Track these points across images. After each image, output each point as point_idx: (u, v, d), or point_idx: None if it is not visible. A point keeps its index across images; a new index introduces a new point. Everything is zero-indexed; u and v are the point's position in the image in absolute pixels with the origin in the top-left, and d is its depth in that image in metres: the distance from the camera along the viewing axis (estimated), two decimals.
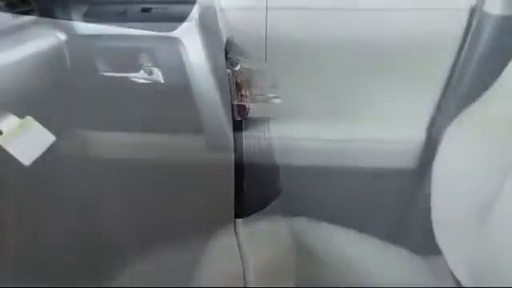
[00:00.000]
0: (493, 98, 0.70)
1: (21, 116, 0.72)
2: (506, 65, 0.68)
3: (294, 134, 0.97)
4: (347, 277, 0.81)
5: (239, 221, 0.90)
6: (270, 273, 0.83)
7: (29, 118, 0.73)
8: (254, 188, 0.90)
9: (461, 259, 0.65)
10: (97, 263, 0.95)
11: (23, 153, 0.69)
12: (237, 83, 0.87)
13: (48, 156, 0.79)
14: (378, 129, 0.93)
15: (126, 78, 0.94)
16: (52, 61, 0.85)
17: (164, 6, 0.90)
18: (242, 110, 0.89)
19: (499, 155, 0.61)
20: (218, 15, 0.91)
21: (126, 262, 1.00)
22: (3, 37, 0.77)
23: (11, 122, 0.70)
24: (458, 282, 0.66)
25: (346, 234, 0.92)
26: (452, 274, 0.67)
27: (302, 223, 0.92)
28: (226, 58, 0.88)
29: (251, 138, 0.90)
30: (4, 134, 0.67)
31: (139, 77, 0.94)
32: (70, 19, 0.90)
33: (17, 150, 0.68)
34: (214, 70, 0.89)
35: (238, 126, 0.90)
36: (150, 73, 0.93)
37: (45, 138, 0.75)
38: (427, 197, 0.76)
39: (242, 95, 0.88)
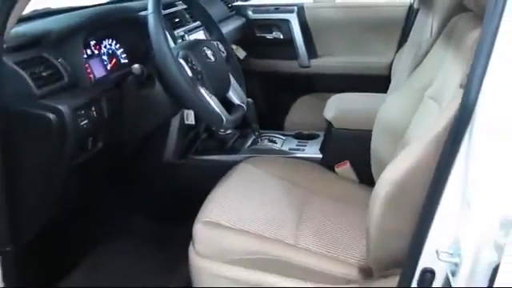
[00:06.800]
0: (410, 43, 1.98)
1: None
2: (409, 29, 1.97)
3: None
4: None
5: None
6: None
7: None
8: None
9: None
10: None
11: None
12: None
13: None
14: (369, 58, 2.24)
15: (265, 36, 2.34)
16: (241, 29, 2.26)
17: (284, 6, 2.28)
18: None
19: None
20: (305, 11, 2.27)
21: None
22: (227, 18, 2.19)
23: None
24: None
25: None
26: None
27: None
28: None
29: None
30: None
31: (271, 36, 2.33)
32: (247, 11, 2.32)
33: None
34: (303, 30, 2.25)
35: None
36: (277, 34, 2.31)
37: (242, 53, 2.18)
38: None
39: None
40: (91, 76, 1.17)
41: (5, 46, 0.96)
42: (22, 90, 0.98)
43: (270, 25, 2.31)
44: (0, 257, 1.05)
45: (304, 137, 1.76)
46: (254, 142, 1.72)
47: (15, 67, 0.98)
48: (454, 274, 0.78)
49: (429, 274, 0.82)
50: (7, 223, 1.03)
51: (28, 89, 0.98)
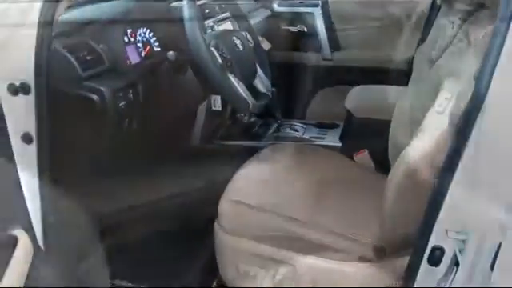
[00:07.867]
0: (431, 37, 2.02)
1: None
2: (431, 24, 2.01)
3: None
4: None
5: None
6: None
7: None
8: None
9: None
10: None
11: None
12: None
13: None
14: (391, 51, 2.28)
15: (290, 28, 2.40)
16: (266, 21, 2.33)
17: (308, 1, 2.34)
18: None
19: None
20: (330, 5, 2.32)
21: None
22: (253, 10, 2.26)
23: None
24: None
25: None
26: None
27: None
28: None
29: None
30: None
31: (295, 29, 2.39)
32: (272, 4, 2.39)
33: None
34: (326, 23, 2.31)
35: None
36: (301, 27, 2.37)
37: (266, 45, 2.24)
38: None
39: None
40: (128, 62, 1.26)
41: (53, 32, 1.05)
42: (70, 72, 1.07)
43: (294, 18, 2.37)
44: (42, 227, 1.15)
45: (324, 126, 1.84)
46: (277, 130, 1.80)
47: (63, 51, 1.07)
48: (461, 251, 0.85)
49: (438, 252, 0.89)
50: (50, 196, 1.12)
51: (75, 71, 1.08)
